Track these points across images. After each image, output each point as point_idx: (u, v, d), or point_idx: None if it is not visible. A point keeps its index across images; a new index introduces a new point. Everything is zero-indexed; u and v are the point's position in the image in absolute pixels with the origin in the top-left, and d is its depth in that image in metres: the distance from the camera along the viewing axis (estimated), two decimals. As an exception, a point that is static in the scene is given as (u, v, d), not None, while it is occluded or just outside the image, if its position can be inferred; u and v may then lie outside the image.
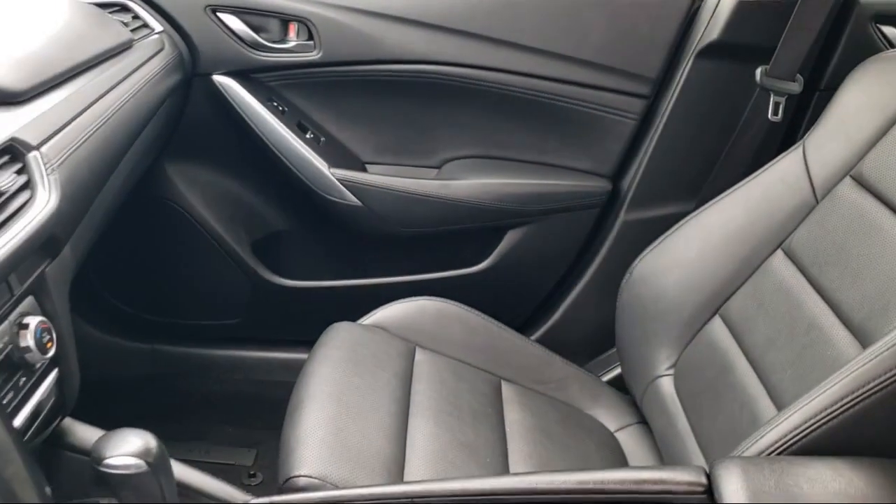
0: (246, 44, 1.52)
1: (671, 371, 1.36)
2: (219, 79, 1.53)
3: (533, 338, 1.67)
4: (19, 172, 0.82)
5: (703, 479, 0.87)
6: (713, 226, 1.35)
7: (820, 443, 0.90)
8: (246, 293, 1.68)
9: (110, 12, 1.37)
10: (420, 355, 1.39)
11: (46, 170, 0.85)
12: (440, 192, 1.60)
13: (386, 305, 1.45)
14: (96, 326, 1.67)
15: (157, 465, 0.77)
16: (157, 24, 1.44)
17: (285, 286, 1.68)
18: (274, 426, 1.20)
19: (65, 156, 0.90)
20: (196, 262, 1.66)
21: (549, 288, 1.71)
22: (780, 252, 1.27)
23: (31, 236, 0.77)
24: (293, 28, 1.54)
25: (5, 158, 0.81)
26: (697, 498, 0.86)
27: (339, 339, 1.36)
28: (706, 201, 1.35)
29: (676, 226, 1.38)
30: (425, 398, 1.29)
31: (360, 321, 1.42)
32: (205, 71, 1.52)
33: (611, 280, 1.47)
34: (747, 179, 1.33)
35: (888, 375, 0.86)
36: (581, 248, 1.68)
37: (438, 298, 1.47)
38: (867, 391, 0.87)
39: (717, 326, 1.32)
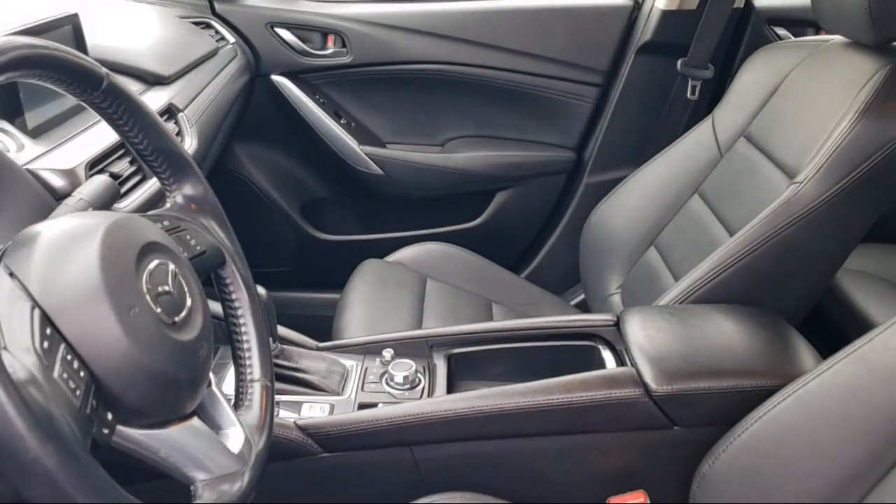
0: (296, 51, 1.99)
1: (619, 290, 1.78)
2: (276, 78, 1.99)
3: (520, 276, 2.10)
4: (176, 125, 1.28)
5: (614, 318, 1.30)
6: (648, 180, 1.77)
7: (701, 298, 1.34)
8: (295, 246, 2.13)
9: (199, 28, 1.83)
10: (430, 283, 1.81)
11: (188, 124, 1.31)
12: (443, 163, 2.05)
13: (403, 249, 1.87)
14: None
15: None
16: (230, 37, 1.90)
17: (325, 239, 2.12)
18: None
19: (196, 118, 1.37)
20: (257, 222, 2.10)
21: (530, 237, 2.15)
22: (696, 195, 1.70)
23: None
24: (331, 39, 2.01)
25: (166, 115, 1.28)
26: (608, 330, 1.29)
27: (369, 270, 1.80)
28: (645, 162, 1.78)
29: (622, 182, 1.81)
30: (434, 311, 1.71)
31: (388, 257, 1.84)
32: (265, 72, 1.99)
33: (578, 229, 1.87)
34: (673, 143, 1.75)
35: (745, 250, 1.30)
36: (554, 205, 2.11)
37: (444, 243, 1.90)
38: (733, 260, 1.31)
39: (651, 253, 1.73)
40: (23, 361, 0.57)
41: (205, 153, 1.41)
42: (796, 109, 1.48)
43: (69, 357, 0.61)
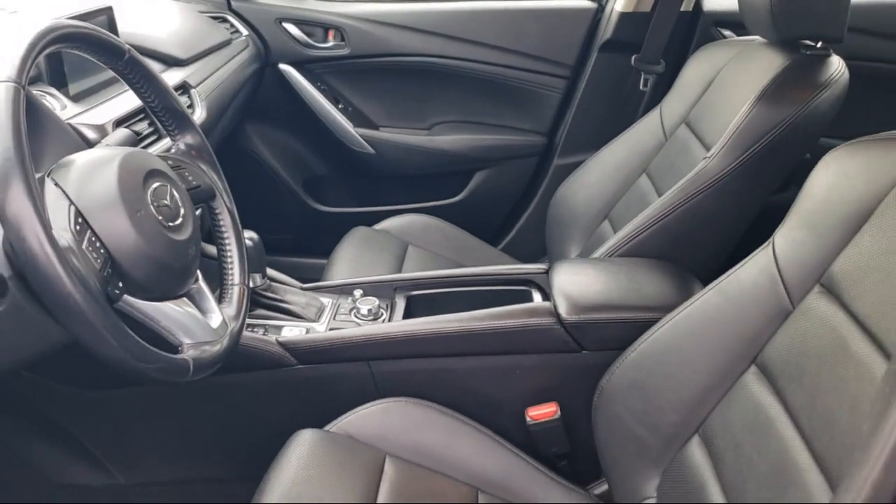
0: (301, 44, 2.26)
1: (578, 253, 2.00)
2: (283, 67, 2.27)
3: (497, 248, 2.34)
4: (189, 98, 1.57)
5: (546, 267, 1.56)
6: (605, 161, 1.99)
7: (625, 253, 1.58)
8: (298, 216, 2.40)
9: (216, 21, 2.12)
10: (411, 249, 2.03)
11: (200, 98, 1.59)
12: (429, 145, 2.31)
13: (389, 219, 2.11)
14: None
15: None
16: (244, 30, 2.18)
17: (324, 211, 2.39)
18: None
19: (206, 94, 1.65)
20: (265, 195, 2.37)
21: (506, 212, 2.40)
22: (644, 175, 1.93)
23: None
24: (331, 33, 2.28)
25: (181, 90, 1.56)
26: (541, 276, 1.54)
27: (357, 235, 2.03)
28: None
29: (584, 163, 2.05)
30: (411, 271, 1.92)
31: (376, 226, 2.07)
32: (274, 62, 2.26)
33: (547, 207, 2.12)
34: (627, 130, 1.97)
35: (662, 213, 1.54)
36: (527, 184, 2.36)
37: (427, 215, 2.16)
38: (651, 221, 1.56)
39: (605, 226, 1.95)
40: (62, 236, 0.84)
41: (213, 124, 1.69)
42: (721, 99, 1.71)
43: (93, 239, 0.88)
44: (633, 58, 2.12)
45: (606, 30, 2.17)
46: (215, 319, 1.05)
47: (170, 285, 0.97)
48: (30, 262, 0.79)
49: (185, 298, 1.01)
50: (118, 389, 1.42)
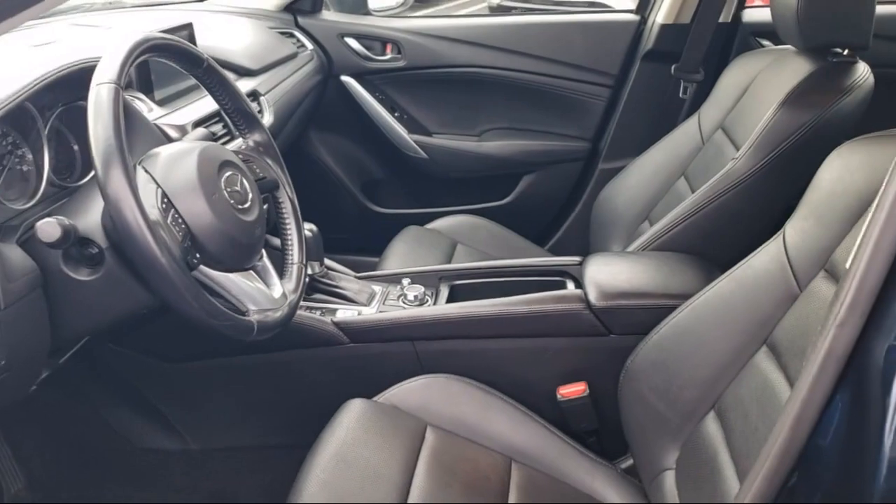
0: (361, 57, 2.43)
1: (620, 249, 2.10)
2: (344, 78, 2.44)
3: (544, 248, 2.45)
4: (258, 104, 1.74)
5: (580, 259, 1.67)
6: (645, 165, 2.10)
7: (657, 248, 1.69)
8: (356, 217, 2.56)
9: (284, 36, 2.30)
10: (459, 247, 2.15)
11: (268, 104, 1.77)
12: (479, 150, 2.45)
13: (440, 219, 2.24)
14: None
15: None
16: (309, 45, 2.36)
17: (379, 212, 2.55)
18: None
19: (274, 101, 1.82)
20: (326, 196, 2.54)
21: (552, 214, 2.51)
22: (682, 178, 2.03)
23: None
24: (389, 47, 2.44)
25: (252, 97, 1.74)
26: (575, 268, 1.66)
27: (409, 233, 2.18)
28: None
29: (625, 168, 2.16)
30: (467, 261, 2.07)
31: (427, 225, 2.22)
32: (336, 74, 2.43)
33: (592, 208, 2.24)
34: (667, 135, 2.09)
35: (692, 210, 1.65)
36: (573, 188, 2.48)
37: (476, 216, 2.29)
38: (682, 218, 1.66)
39: (645, 226, 2.07)
40: (151, 212, 1.01)
41: (280, 128, 1.87)
42: (754, 104, 1.80)
43: (176, 216, 1.04)
44: (673, 67, 2.22)
45: (648, 40, 2.28)
46: (276, 291, 1.20)
47: (239, 259, 1.13)
48: (125, 232, 0.96)
49: (251, 272, 1.18)
50: (193, 363, 1.59)
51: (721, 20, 2.20)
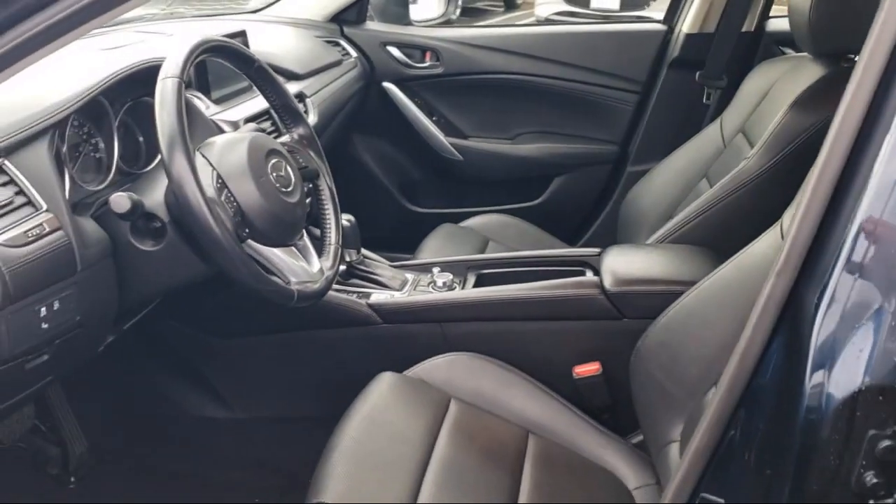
0: (401, 64, 2.58)
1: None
2: (386, 85, 2.59)
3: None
4: (304, 105, 1.90)
5: (599, 250, 1.78)
6: (670, 167, 2.20)
7: (673, 241, 1.80)
8: (394, 216, 2.70)
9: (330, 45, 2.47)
10: (491, 244, 2.28)
11: (313, 106, 1.93)
12: (512, 152, 2.58)
13: (473, 217, 2.37)
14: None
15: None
16: (353, 52, 2.52)
17: (416, 211, 2.69)
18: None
19: (318, 103, 1.98)
20: (366, 196, 2.68)
21: (582, 215, 2.62)
22: (704, 179, 2.13)
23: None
24: (428, 55, 2.59)
25: (298, 98, 1.90)
26: (594, 258, 1.77)
27: (444, 230, 2.31)
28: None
29: (652, 168, 2.27)
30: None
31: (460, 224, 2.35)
32: (378, 80, 2.58)
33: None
34: (691, 139, 2.19)
35: (706, 207, 1.76)
36: (602, 190, 2.59)
37: (508, 215, 2.41)
38: (696, 214, 1.77)
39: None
40: (208, 191, 1.16)
41: (324, 128, 2.02)
42: (771, 108, 1.89)
43: (229, 195, 1.20)
44: (698, 74, 2.32)
45: (675, 49, 2.39)
46: (315, 267, 1.35)
47: (282, 235, 1.28)
48: (186, 207, 1.11)
49: (293, 249, 1.32)
50: (242, 339, 1.75)
51: (744, 29, 2.29)
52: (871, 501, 0.66)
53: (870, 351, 0.66)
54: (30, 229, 1.05)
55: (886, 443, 0.65)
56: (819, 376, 0.68)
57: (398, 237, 2.66)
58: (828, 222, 0.71)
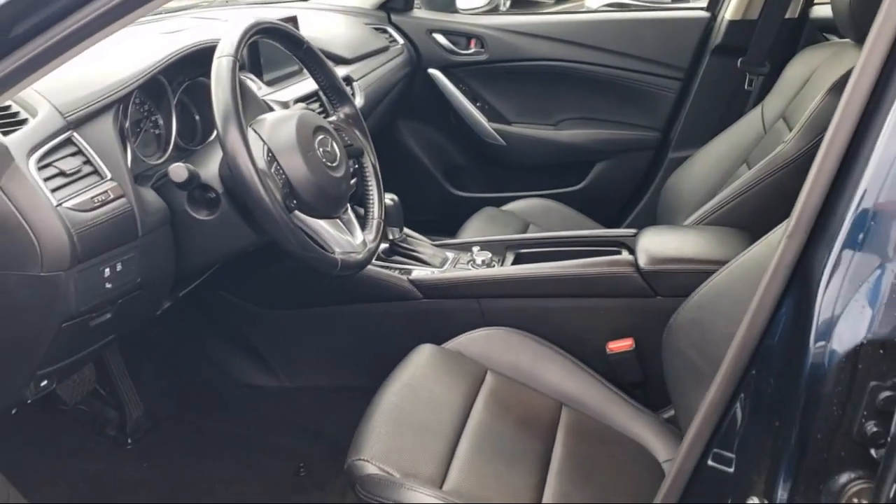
0: (447, 51, 2.64)
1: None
2: (431, 71, 2.65)
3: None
4: (351, 88, 1.97)
5: (635, 231, 1.82)
6: (710, 153, 2.21)
7: (710, 223, 1.82)
8: (438, 200, 2.76)
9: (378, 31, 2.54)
10: (532, 228, 2.34)
11: (360, 89, 2.00)
12: (555, 138, 2.62)
13: (514, 202, 2.43)
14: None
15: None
16: (400, 39, 2.59)
17: (459, 195, 2.74)
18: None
19: (365, 87, 2.05)
20: (411, 180, 2.73)
21: (623, 201, 2.65)
22: (744, 164, 2.14)
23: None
24: (473, 42, 2.64)
25: (346, 82, 1.97)
26: (630, 239, 1.81)
27: (485, 213, 2.37)
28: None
29: (692, 155, 2.29)
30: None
31: (502, 207, 2.40)
32: (424, 66, 2.65)
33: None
34: (732, 125, 2.21)
35: (743, 189, 1.78)
36: (643, 175, 2.61)
37: (549, 200, 2.45)
38: (733, 196, 1.79)
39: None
40: (259, 163, 1.24)
41: (370, 110, 2.09)
42: (812, 94, 1.91)
43: (278, 168, 1.27)
44: (740, 60, 2.33)
45: (717, 36, 2.40)
46: (358, 239, 1.42)
47: (328, 207, 1.35)
48: (239, 177, 1.19)
49: (338, 221, 1.40)
50: (290, 311, 1.83)
51: (788, 16, 2.29)
52: (872, 449, 0.70)
53: (872, 309, 0.70)
54: (96, 196, 1.14)
55: (886, 394, 0.69)
56: (824, 334, 0.72)
57: (442, 221, 2.72)
58: (835, 190, 0.75)
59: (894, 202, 0.70)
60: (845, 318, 0.71)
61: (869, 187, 0.71)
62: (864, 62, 0.74)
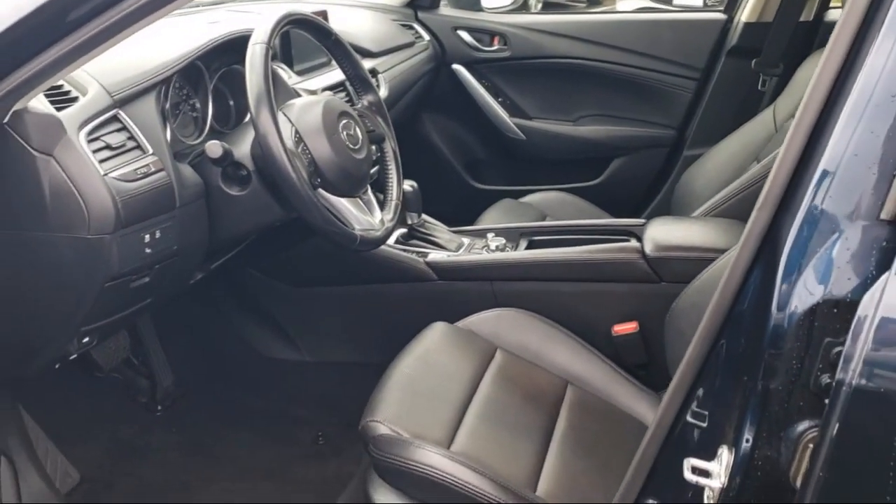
0: (471, 48, 2.73)
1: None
2: (455, 67, 2.75)
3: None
4: (376, 80, 2.07)
5: (644, 221, 1.90)
6: (723, 151, 2.29)
7: (721, 213, 1.90)
8: (459, 192, 2.85)
9: (404, 28, 2.64)
10: (548, 220, 2.43)
11: (385, 81, 2.10)
12: (574, 133, 2.70)
13: (533, 194, 2.51)
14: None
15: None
16: (426, 35, 2.69)
17: (480, 188, 2.84)
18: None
19: (390, 79, 2.15)
20: (433, 172, 2.82)
21: (639, 196, 2.72)
22: (755, 162, 2.21)
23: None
24: (496, 39, 2.73)
25: (372, 74, 2.07)
26: (639, 228, 1.89)
27: (502, 204, 2.47)
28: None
29: (706, 152, 2.37)
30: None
31: (520, 199, 2.49)
32: (448, 62, 2.74)
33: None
34: (745, 124, 2.28)
35: (748, 183, 1.85)
36: (658, 172, 2.68)
37: (566, 193, 2.53)
38: (740, 190, 1.87)
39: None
40: (287, 144, 1.34)
41: (393, 102, 2.19)
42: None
43: (305, 148, 1.37)
44: (754, 61, 2.40)
45: (733, 37, 2.47)
46: (377, 217, 1.52)
47: (350, 186, 1.45)
48: (269, 156, 1.29)
49: (359, 201, 1.50)
50: (313, 288, 1.94)
51: (802, 19, 2.36)
52: (826, 399, 0.78)
53: (828, 273, 0.78)
54: (138, 168, 1.25)
55: (839, 348, 0.77)
56: (786, 294, 0.81)
57: (462, 212, 2.81)
58: (801, 166, 0.84)
59: (850, 178, 0.78)
60: (804, 281, 0.79)
61: (828, 164, 0.79)
62: (831, 49, 0.82)
